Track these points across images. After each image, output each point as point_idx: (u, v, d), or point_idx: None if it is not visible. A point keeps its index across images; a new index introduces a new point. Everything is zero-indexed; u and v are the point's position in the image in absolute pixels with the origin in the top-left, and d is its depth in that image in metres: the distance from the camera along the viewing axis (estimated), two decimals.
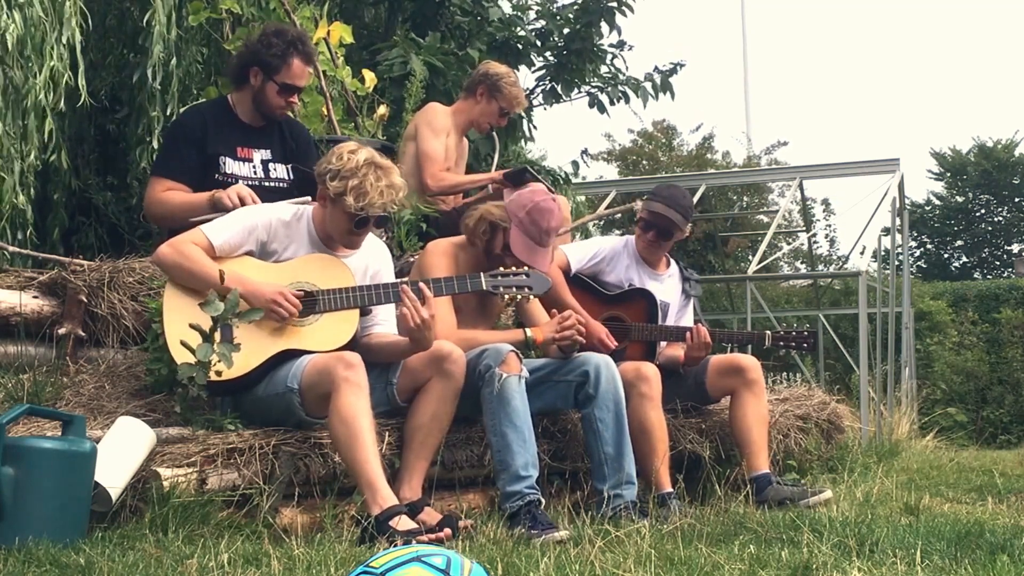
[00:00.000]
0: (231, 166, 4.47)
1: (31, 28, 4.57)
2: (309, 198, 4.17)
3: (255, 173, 4.52)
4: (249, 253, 3.78)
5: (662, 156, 18.93)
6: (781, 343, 5.01)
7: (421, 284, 3.71)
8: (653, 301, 4.79)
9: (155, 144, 5.38)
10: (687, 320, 5.02)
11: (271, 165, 4.57)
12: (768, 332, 4.98)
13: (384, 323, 3.90)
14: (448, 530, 3.32)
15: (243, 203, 4.17)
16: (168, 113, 5.43)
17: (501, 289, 3.88)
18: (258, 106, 4.53)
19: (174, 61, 5.42)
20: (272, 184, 4.52)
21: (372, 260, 3.93)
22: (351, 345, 3.69)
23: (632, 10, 8.38)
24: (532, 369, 4.02)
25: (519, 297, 3.97)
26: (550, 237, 4.19)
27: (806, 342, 4.91)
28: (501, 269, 3.96)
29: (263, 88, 4.48)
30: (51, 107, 4.73)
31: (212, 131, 4.47)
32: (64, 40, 4.70)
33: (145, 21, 5.21)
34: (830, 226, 17.60)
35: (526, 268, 3.99)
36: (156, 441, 3.39)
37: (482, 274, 3.89)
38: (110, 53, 6.05)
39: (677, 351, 4.83)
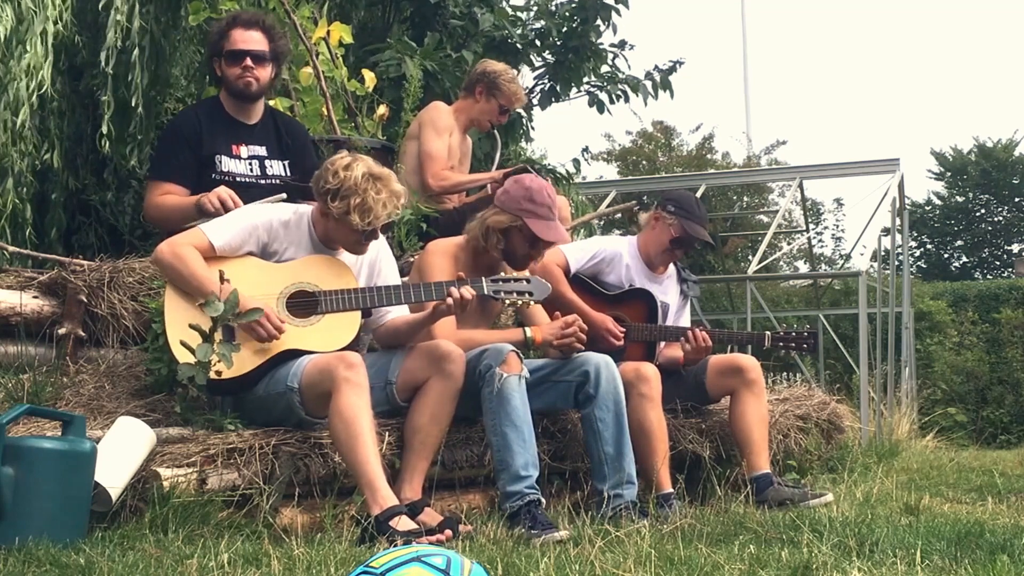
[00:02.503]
0: (227, 164, 4.46)
1: (18, 21, 4.54)
2: (284, 195, 4.19)
3: (251, 170, 4.50)
4: (250, 253, 3.77)
5: (662, 156, 18.93)
6: (781, 344, 4.99)
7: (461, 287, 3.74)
8: (653, 302, 4.80)
9: (108, 131, 5.18)
10: (685, 321, 5.03)
11: (267, 162, 4.55)
12: (768, 333, 4.96)
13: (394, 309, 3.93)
14: (448, 531, 3.32)
15: (224, 205, 4.16)
16: (133, 105, 5.26)
17: (502, 294, 3.89)
18: (228, 91, 4.52)
19: (136, 52, 5.24)
20: (268, 182, 4.50)
21: (371, 248, 3.92)
22: (352, 346, 3.69)
23: (627, 6, 8.36)
24: (532, 369, 4.02)
25: (520, 303, 3.98)
26: (555, 207, 4.26)
27: (806, 343, 4.89)
28: (502, 275, 3.98)
29: (221, 69, 4.49)
30: (31, 101, 4.68)
31: (206, 130, 4.46)
32: (46, 34, 4.66)
33: (101, 6, 5.15)
34: (837, 224, 17.63)
35: (527, 274, 4.01)
36: (156, 441, 3.39)
37: (483, 279, 3.89)
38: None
39: (677, 351, 4.84)
